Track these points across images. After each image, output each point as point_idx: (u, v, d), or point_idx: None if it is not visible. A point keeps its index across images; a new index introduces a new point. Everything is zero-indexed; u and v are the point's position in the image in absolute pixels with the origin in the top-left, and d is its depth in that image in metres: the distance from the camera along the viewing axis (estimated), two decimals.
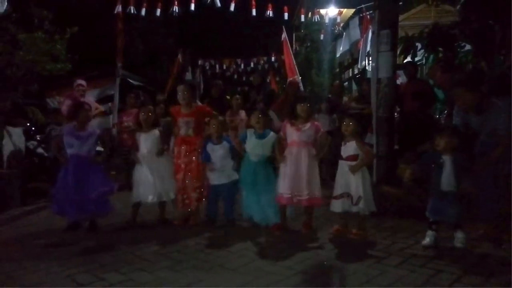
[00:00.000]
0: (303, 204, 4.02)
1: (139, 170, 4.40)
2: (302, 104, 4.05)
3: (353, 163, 3.85)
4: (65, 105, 6.00)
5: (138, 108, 4.81)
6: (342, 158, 3.93)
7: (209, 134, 4.46)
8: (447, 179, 3.50)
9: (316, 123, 4.16)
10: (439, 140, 3.55)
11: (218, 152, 4.32)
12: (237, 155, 4.42)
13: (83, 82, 6.64)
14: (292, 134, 4.05)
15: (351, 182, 3.85)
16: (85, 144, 4.25)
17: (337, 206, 3.91)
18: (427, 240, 3.56)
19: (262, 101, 7.33)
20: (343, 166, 3.91)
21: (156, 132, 4.45)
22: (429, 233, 3.59)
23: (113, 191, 4.33)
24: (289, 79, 9.61)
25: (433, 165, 3.61)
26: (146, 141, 4.39)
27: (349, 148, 3.90)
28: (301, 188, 3.94)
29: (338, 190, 3.91)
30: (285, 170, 4.01)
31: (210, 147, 4.34)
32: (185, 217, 4.45)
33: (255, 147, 4.18)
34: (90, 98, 7.35)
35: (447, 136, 3.52)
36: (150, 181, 4.32)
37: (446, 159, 3.52)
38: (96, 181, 4.20)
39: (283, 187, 3.99)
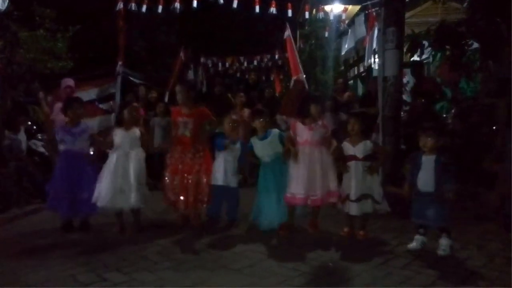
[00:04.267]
0: (317, 204, 3.96)
1: (107, 168, 4.08)
2: (316, 105, 4.01)
3: (367, 163, 3.81)
4: (56, 107, 5.93)
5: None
6: (357, 159, 3.82)
7: (222, 131, 4.44)
8: (423, 179, 3.40)
9: (325, 121, 4.14)
10: (426, 140, 3.42)
11: (232, 151, 4.31)
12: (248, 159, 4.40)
13: (72, 83, 6.53)
14: (304, 133, 3.99)
15: (369, 182, 3.80)
16: (78, 140, 4.20)
17: (355, 208, 3.79)
18: (413, 244, 3.48)
19: (259, 100, 7.32)
20: (359, 167, 3.81)
21: (137, 131, 4.23)
22: (416, 237, 3.50)
23: None
24: (293, 77, 9.56)
25: (412, 165, 3.52)
26: (124, 140, 4.15)
27: (362, 148, 3.83)
28: (315, 188, 3.88)
29: (356, 192, 3.78)
30: (298, 170, 3.94)
31: (223, 143, 4.32)
32: (186, 218, 4.40)
33: (262, 148, 4.19)
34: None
35: (435, 136, 3.41)
36: (115, 183, 3.99)
37: (426, 159, 3.42)
38: (89, 180, 4.14)
39: (296, 187, 3.92)
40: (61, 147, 4.22)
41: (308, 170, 3.90)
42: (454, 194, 3.28)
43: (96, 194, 4.03)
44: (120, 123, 4.29)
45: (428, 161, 3.40)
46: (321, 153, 3.95)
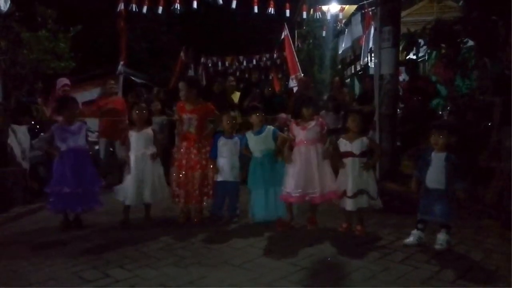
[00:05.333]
0: (316, 202, 4.01)
1: (130, 170, 4.29)
2: (307, 108, 4.07)
3: (363, 159, 3.86)
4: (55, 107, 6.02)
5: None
6: (354, 155, 3.86)
7: (222, 130, 4.51)
8: (432, 176, 3.42)
9: (320, 120, 4.19)
10: (438, 138, 3.43)
11: (229, 146, 4.36)
12: (245, 155, 4.46)
13: (68, 82, 6.61)
14: (299, 133, 4.06)
15: (365, 178, 3.84)
16: (79, 136, 4.27)
17: (351, 204, 3.84)
18: (410, 239, 3.50)
19: (258, 99, 7.38)
20: (356, 163, 3.85)
21: (149, 131, 4.37)
22: (414, 232, 3.53)
23: (102, 186, 4.39)
24: (292, 76, 9.63)
25: (421, 161, 3.55)
26: (138, 141, 4.30)
27: (359, 144, 3.87)
28: (313, 186, 3.93)
29: (353, 188, 3.82)
30: (294, 169, 4.01)
31: (222, 141, 4.38)
32: (187, 214, 4.47)
33: (256, 143, 4.28)
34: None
35: (447, 134, 3.43)
36: (135, 183, 4.23)
37: (436, 156, 3.43)
38: (93, 174, 4.27)
39: (292, 186, 3.98)
40: (65, 145, 4.23)
41: (304, 169, 3.96)
42: (464, 193, 3.34)
43: (121, 193, 4.27)
44: (131, 124, 4.45)
45: (438, 158, 3.41)
46: (317, 151, 4.01)
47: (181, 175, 4.35)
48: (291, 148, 4.12)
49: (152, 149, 4.33)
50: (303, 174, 3.96)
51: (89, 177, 4.25)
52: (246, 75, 12.73)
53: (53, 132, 4.31)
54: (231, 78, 7.59)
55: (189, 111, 4.42)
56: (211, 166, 4.42)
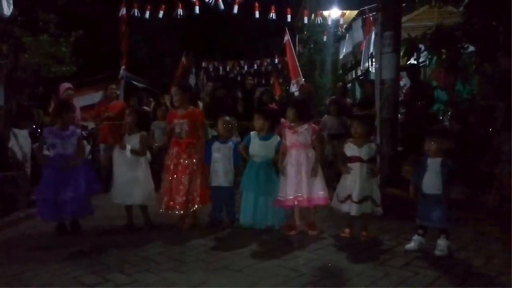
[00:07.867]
0: (303, 205, 4.02)
1: (116, 171, 4.40)
2: (289, 109, 4.12)
3: (370, 165, 3.84)
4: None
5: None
6: (362, 161, 3.82)
7: (218, 135, 4.52)
8: (428, 182, 3.42)
9: (313, 125, 4.19)
10: (430, 144, 3.44)
11: (223, 150, 4.35)
12: (241, 158, 4.45)
13: (70, 85, 6.67)
14: (290, 137, 4.08)
15: (370, 185, 3.84)
16: (68, 143, 4.23)
17: (356, 209, 3.80)
18: (411, 245, 3.49)
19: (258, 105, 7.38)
20: (364, 169, 3.82)
21: (138, 135, 4.39)
22: (415, 237, 3.52)
23: (97, 191, 4.37)
24: (293, 80, 9.66)
25: (418, 167, 3.55)
26: (129, 143, 4.34)
27: (367, 150, 3.85)
28: (301, 190, 3.96)
29: (360, 193, 3.79)
30: (287, 174, 4.03)
31: (216, 145, 4.38)
32: (182, 219, 4.41)
33: (259, 148, 4.26)
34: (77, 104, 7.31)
35: (439, 140, 3.44)
36: (124, 183, 4.30)
37: (432, 161, 3.44)
38: (87, 180, 4.23)
39: (285, 190, 4.00)
40: (52, 151, 4.19)
41: (295, 172, 3.98)
42: (456, 195, 3.34)
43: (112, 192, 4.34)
44: (126, 127, 4.49)
45: (433, 164, 3.42)
46: (308, 156, 4.02)
47: (170, 179, 4.32)
48: (284, 154, 4.13)
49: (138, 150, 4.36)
50: (294, 177, 3.97)
51: (81, 182, 4.17)
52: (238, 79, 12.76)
53: (45, 136, 4.27)
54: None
55: (180, 116, 4.40)
56: (204, 171, 4.38)
